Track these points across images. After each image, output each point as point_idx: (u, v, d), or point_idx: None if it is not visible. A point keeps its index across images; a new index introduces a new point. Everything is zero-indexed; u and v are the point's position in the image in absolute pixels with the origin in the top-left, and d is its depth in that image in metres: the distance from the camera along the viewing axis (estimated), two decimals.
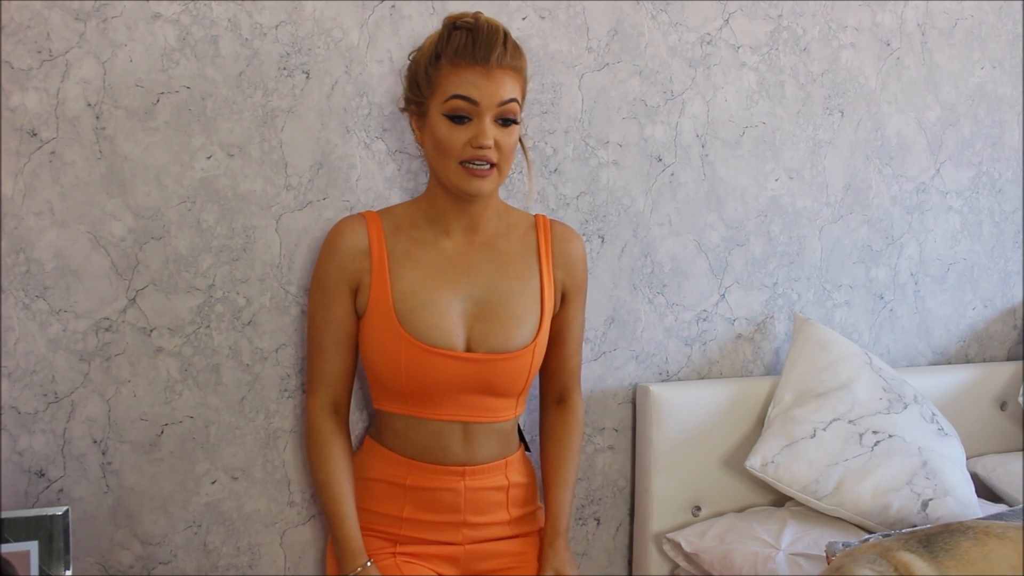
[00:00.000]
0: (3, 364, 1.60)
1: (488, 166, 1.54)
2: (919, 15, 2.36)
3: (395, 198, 1.84)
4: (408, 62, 1.63)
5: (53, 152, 1.60)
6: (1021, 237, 2.58)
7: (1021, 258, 2.59)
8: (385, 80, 1.82)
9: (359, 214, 1.66)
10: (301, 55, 1.75)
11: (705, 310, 2.18)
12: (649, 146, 2.08)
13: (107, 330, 1.66)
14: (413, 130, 1.63)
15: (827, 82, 2.26)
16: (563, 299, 1.74)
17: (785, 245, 2.25)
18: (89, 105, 1.62)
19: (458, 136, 1.52)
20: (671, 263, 2.13)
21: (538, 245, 1.70)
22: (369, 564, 1.59)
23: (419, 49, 1.60)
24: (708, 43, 2.11)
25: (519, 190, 1.94)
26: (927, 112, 2.40)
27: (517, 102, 1.55)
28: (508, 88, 1.53)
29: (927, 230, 2.44)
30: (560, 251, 1.71)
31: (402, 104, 1.65)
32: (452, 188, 1.57)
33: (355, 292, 1.63)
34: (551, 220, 1.74)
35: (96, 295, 1.65)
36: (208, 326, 1.73)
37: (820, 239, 2.30)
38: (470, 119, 1.52)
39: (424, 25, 1.83)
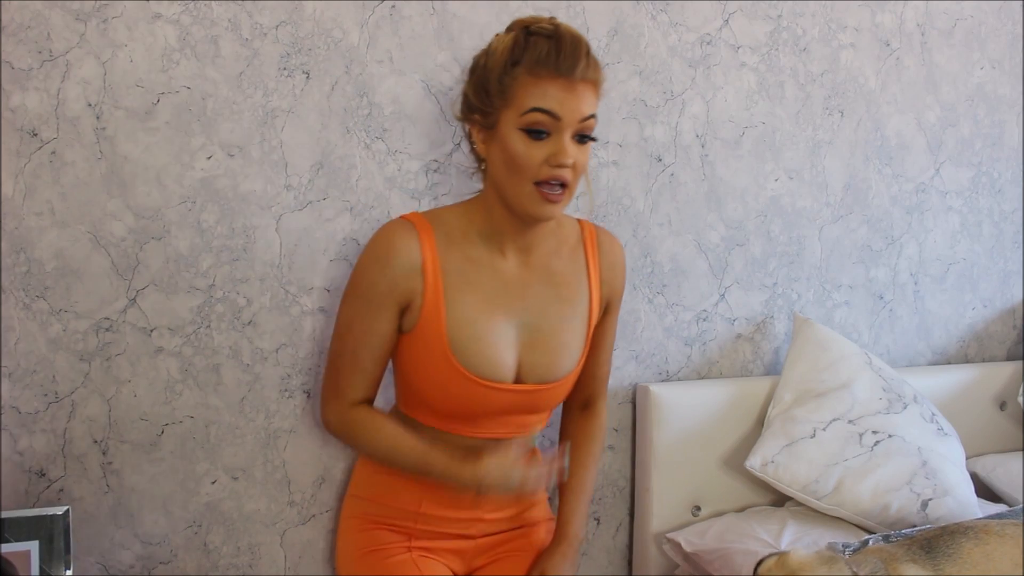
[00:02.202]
0: (3, 364, 1.60)
1: (560, 189, 1.44)
2: (919, 15, 2.36)
3: (395, 198, 1.84)
4: (472, 64, 1.51)
5: (53, 152, 1.60)
6: (1021, 237, 2.58)
7: (1021, 258, 2.59)
8: (385, 80, 1.82)
9: (409, 221, 1.52)
10: (301, 55, 1.75)
11: (705, 310, 2.18)
12: (649, 146, 2.08)
13: (107, 330, 1.66)
14: (472, 141, 1.52)
15: (827, 82, 2.26)
16: (604, 310, 1.68)
17: (785, 245, 2.26)
18: (89, 105, 1.62)
19: (536, 153, 1.41)
20: (671, 263, 2.13)
21: (587, 261, 1.62)
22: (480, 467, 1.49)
23: (488, 52, 1.47)
24: (708, 43, 2.11)
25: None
26: (927, 112, 2.41)
27: (595, 117, 1.45)
28: (589, 103, 1.43)
29: (927, 230, 2.44)
30: (607, 265, 1.64)
31: (459, 112, 1.54)
32: (521, 210, 1.46)
33: (403, 310, 1.52)
34: (596, 229, 1.66)
35: (96, 295, 1.65)
36: (208, 326, 1.73)
37: (820, 239, 2.30)
38: (548, 135, 1.41)
39: (424, 25, 1.83)
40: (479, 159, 1.54)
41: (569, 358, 1.59)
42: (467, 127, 1.53)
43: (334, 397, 1.58)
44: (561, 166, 1.41)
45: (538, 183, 1.43)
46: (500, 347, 1.52)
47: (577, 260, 1.62)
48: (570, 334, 1.59)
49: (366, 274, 1.51)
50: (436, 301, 1.49)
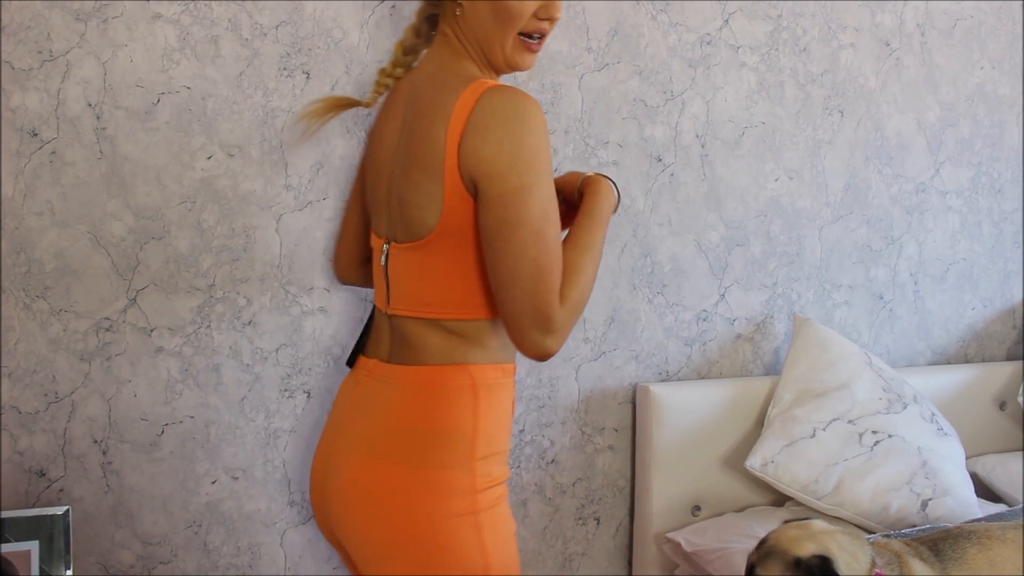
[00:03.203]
0: (4, 364, 1.60)
1: (538, 39, 1.40)
2: (918, 15, 2.36)
3: None
4: None
5: (54, 152, 1.60)
6: (1021, 237, 2.58)
7: (1021, 258, 2.59)
8: None
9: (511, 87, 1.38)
10: (301, 55, 1.75)
11: (705, 310, 2.18)
12: (649, 146, 2.08)
13: (107, 330, 1.66)
14: None
15: (827, 82, 2.26)
16: None
17: (785, 245, 2.26)
18: (89, 105, 1.62)
19: (529, 4, 1.35)
20: (671, 263, 2.13)
21: None
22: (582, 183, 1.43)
23: None
24: (708, 43, 2.11)
25: None
26: (926, 112, 2.41)
27: None
28: None
29: (927, 230, 2.44)
30: None
31: None
32: (502, 60, 1.40)
33: None
34: None
35: (96, 295, 1.65)
36: (208, 326, 1.73)
37: (820, 239, 2.30)
38: None
39: None
40: (436, 6, 1.44)
41: None
42: None
43: (563, 302, 1.30)
44: (551, 19, 1.39)
45: (522, 34, 1.38)
46: None
47: None
48: None
49: (542, 148, 1.31)
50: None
